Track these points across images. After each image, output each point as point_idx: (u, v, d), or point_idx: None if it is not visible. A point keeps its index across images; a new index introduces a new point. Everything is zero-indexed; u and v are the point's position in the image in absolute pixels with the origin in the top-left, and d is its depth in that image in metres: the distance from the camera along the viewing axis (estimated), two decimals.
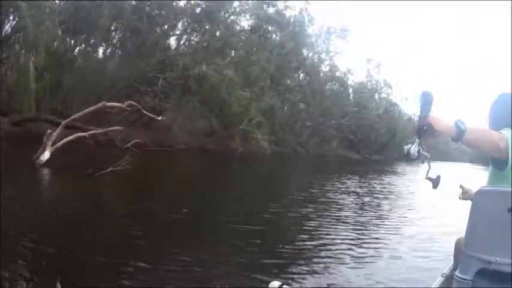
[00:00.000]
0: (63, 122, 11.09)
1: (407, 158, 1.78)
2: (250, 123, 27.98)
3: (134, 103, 12.37)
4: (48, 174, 10.82)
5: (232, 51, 29.81)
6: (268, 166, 24.89)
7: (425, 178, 2.23)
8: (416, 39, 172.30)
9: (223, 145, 29.52)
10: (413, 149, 1.75)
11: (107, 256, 4.94)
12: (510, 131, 1.89)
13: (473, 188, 2.45)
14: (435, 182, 2.23)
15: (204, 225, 7.07)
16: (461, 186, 2.64)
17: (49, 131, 10.83)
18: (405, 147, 1.78)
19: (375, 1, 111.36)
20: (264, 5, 36.55)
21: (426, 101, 1.68)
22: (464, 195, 2.61)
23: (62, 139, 12.73)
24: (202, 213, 8.07)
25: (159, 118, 14.73)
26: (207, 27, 27.95)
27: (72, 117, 11.77)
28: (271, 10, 37.26)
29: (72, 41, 26.69)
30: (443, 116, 1.72)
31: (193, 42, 30.07)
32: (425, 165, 2.11)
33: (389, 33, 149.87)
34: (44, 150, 10.67)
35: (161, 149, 25.02)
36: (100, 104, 10.97)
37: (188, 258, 5.02)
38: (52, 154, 11.55)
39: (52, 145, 10.79)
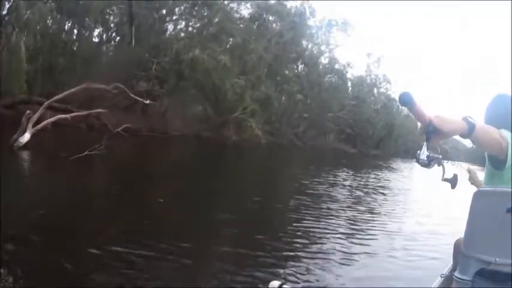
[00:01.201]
0: (45, 103, 10.70)
1: (419, 164, 1.66)
2: (244, 111, 27.57)
3: (120, 85, 11.95)
4: (22, 157, 10.40)
5: (230, 38, 29.29)
6: (260, 156, 24.60)
7: (442, 180, 2.13)
8: (417, 36, 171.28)
9: (217, 133, 29.15)
10: (422, 154, 1.61)
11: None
12: (508, 131, 1.84)
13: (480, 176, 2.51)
14: (453, 182, 2.13)
15: (174, 215, 6.75)
16: (469, 170, 2.59)
17: (28, 111, 10.42)
18: (417, 152, 1.64)
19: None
20: None
21: (406, 103, 1.48)
22: (472, 179, 2.59)
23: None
24: (176, 202, 7.71)
25: (147, 102, 14.22)
26: (204, 13, 27.42)
27: (55, 98, 11.37)
28: (272, 1, 37.01)
29: (69, 24, 26.19)
30: (448, 114, 1.58)
31: (190, 28, 29.60)
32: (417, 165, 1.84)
33: (390, 30, 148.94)
34: (24, 132, 10.27)
35: (154, 134, 24.75)
36: (83, 85, 10.55)
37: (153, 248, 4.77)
38: (36, 136, 11.19)
39: (33, 127, 10.38)
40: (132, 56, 24.79)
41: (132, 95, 13.07)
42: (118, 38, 29.47)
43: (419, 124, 1.59)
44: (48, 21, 24.83)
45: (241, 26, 32.49)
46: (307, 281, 4.55)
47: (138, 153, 17.29)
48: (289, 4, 38.75)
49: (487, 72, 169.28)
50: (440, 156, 1.65)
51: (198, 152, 20.52)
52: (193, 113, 26.88)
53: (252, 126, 27.27)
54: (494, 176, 1.98)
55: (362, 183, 15.90)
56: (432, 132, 1.54)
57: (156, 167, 12.87)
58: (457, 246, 2.57)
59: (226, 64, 24.49)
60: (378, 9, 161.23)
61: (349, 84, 55.34)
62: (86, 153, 9.59)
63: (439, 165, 1.72)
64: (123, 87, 11.91)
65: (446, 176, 2.08)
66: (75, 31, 26.35)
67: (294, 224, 7.10)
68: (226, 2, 31.11)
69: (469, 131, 1.59)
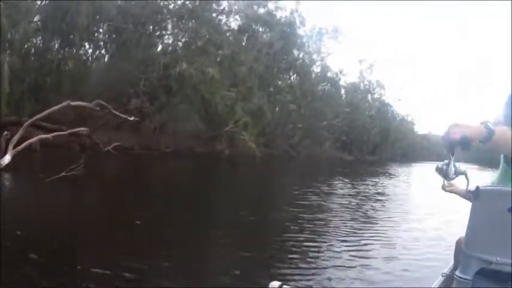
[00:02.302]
0: (25, 123, 10.36)
1: (445, 178, 1.75)
2: (237, 124, 27.16)
3: (102, 102, 11.60)
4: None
5: (219, 51, 29.01)
6: (253, 169, 24.06)
7: (466, 193, 2.18)
8: (411, 38, 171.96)
9: (211, 147, 28.76)
10: (450, 169, 1.64)
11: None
12: None
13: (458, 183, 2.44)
14: (475, 194, 2.10)
15: (157, 234, 6.35)
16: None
17: (6, 132, 10.03)
18: (439, 166, 1.68)
19: (369, 1, 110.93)
20: (255, 6, 36.22)
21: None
22: (449, 187, 2.58)
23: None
24: (159, 220, 7.29)
25: (131, 118, 13.85)
26: (190, 25, 27.18)
27: (35, 117, 11.04)
28: (261, 11, 37.04)
29: (56, 43, 25.88)
30: (467, 121, 1.55)
31: (178, 42, 29.37)
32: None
33: (384, 32, 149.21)
34: (5, 153, 9.89)
35: (146, 152, 24.45)
36: (64, 103, 10.19)
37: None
38: (20, 158, 10.81)
39: (14, 148, 10.01)
40: (121, 73, 24.45)
41: (116, 112, 12.66)
42: (107, 55, 29.33)
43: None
44: (35, 40, 24.71)
45: (231, 38, 32.42)
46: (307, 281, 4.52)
47: (125, 171, 16.86)
48: (278, 14, 39.00)
49: (483, 74, 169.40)
50: (466, 171, 1.71)
51: (188, 168, 20.07)
52: (184, 128, 26.44)
53: (245, 139, 26.78)
54: (505, 175, 2.01)
55: (358, 191, 15.56)
56: (458, 143, 1.48)
57: (142, 185, 12.34)
58: (458, 245, 2.56)
59: (214, 76, 24.13)
60: (370, 12, 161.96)
61: (343, 91, 55.35)
62: (62, 174, 9.14)
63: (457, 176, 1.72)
64: (106, 104, 11.54)
65: (469, 188, 2.09)
66: (63, 50, 26.02)
67: (288, 235, 6.79)
68: (214, 15, 31.09)
69: (488, 137, 1.52)
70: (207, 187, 13.27)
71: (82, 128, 13.15)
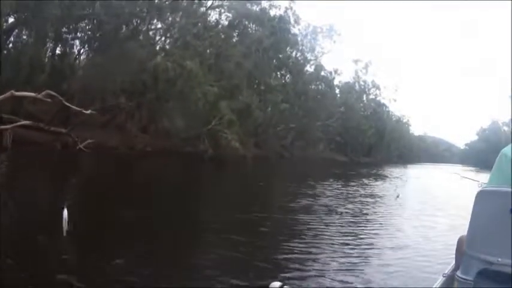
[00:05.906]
0: None
1: None
2: (220, 121, 25.64)
3: (52, 93, 10.47)
4: None
5: (200, 43, 27.44)
6: (235, 171, 22.51)
7: None
8: (407, 41, 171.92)
9: (195, 147, 27.33)
10: None
11: None
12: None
13: None
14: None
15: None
16: None
17: None
18: None
19: (368, 1, 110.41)
20: (248, 4, 35.36)
21: None
22: None
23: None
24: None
25: (88, 112, 12.64)
26: (170, 18, 25.81)
27: None
28: (255, 8, 36.20)
29: (31, 37, 24.59)
30: None
31: (158, 36, 28.09)
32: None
33: (379, 35, 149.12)
34: None
35: (125, 151, 23.39)
36: (7, 94, 9.01)
37: None
38: None
39: None
40: (100, 69, 23.15)
41: (68, 104, 11.50)
42: (91, 53, 28.19)
43: None
44: (11, 34, 23.54)
45: (222, 35, 31.34)
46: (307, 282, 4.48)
47: (70, 170, 15.38)
48: (272, 12, 38.30)
49: (481, 76, 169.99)
50: None
51: (155, 168, 18.46)
52: (164, 126, 25.10)
53: (228, 137, 25.18)
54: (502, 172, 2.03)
55: (349, 193, 14.59)
56: None
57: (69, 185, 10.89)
58: (459, 245, 2.53)
59: (192, 70, 22.61)
60: (368, 11, 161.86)
61: (337, 91, 54.53)
62: None
63: None
64: (57, 95, 10.40)
65: None
66: (39, 44, 24.78)
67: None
68: (202, 9, 30.02)
69: None
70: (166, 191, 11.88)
71: (27, 122, 11.93)
